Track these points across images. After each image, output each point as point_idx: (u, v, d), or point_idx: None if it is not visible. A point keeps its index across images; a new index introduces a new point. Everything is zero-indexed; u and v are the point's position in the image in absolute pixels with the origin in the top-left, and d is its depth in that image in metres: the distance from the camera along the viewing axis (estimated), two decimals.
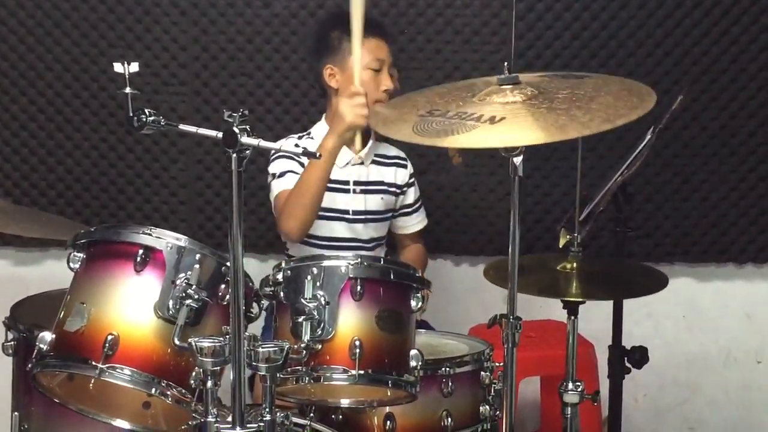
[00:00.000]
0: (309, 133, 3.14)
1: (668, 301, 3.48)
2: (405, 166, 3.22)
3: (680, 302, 3.72)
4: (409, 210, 3.25)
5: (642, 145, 2.78)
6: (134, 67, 2.12)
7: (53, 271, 3.63)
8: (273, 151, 3.06)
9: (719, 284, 3.76)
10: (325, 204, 3.03)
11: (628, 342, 2.91)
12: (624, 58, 3.56)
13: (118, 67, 2.12)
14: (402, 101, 2.48)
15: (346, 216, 3.08)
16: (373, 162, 3.15)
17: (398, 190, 3.19)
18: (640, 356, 2.88)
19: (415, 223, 3.28)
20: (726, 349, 3.80)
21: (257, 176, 3.32)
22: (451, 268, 3.78)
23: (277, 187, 3.01)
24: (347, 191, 3.09)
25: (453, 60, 3.59)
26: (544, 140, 2.10)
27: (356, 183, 3.10)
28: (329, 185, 3.00)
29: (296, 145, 3.03)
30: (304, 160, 2.96)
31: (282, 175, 3.00)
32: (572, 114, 2.16)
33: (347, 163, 3.09)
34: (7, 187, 3.69)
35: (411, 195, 3.25)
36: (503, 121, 2.15)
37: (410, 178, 3.24)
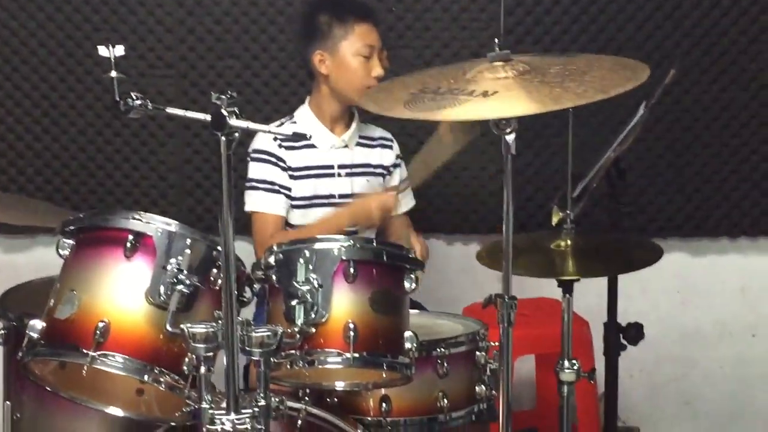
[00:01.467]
0: (292, 118, 3.12)
1: (662, 277, 3.47)
2: (391, 147, 3.19)
3: (674, 277, 3.71)
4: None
5: (634, 120, 2.76)
6: (119, 50, 2.09)
7: (43, 258, 3.60)
8: (252, 149, 3.06)
9: (713, 258, 3.75)
10: (309, 191, 3.02)
11: (622, 318, 2.90)
12: (615, 32, 3.54)
13: (102, 51, 2.09)
14: (391, 83, 2.46)
15: (333, 200, 3.05)
16: (358, 144, 3.13)
17: (384, 172, 3.16)
18: (635, 333, 2.87)
19: (401, 204, 3.22)
20: (721, 324, 3.80)
21: (246, 158, 3.30)
22: (443, 248, 3.76)
23: (253, 203, 3.03)
24: (332, 175, 3.07)
25: (442, 38, 3.57)
26: (539, 110, 2.09)
27: (341, 166, 3.08)
28: (312, 171, 3.00)
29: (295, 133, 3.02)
30: (288, 156, 3.00)
31: (256, 187, 3.02)
32: (566, 86, 2.16)
33: (331, 147, 3.07)
34: None
35: (397, 176, 3.21)
36: (496, 95, 2.14)
37: (396, 159, 3.21)
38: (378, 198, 3.00)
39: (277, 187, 3.02)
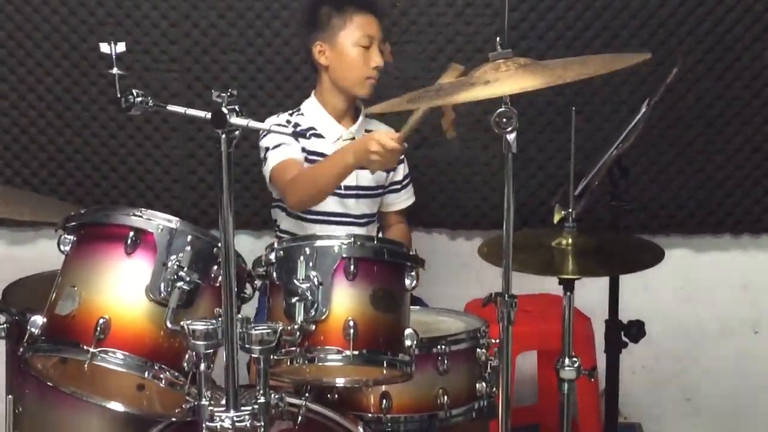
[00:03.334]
0: (299, 110, 3.13)
1: (664, 273, 3.44)
2: None
3: (676, 274, 3.71)
4: (398, 187, 3.24)
5: (636, 118, 2.76)
6: (121, 47, 2.10)
7: (47, 251, 3.55)
8: (266, 141, 3.04)
9: (716, 255, 3.75)
10: None
11: (624, 314, 2.90)
12: (618, 29, 3.53)
13: (104, 48, 2.10)
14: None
15: (338, 191, 3.04)
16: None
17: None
18: (637, 331, 2.87)
19: (402, 200, 3.27)
20: (722, 320, 3.80)
21: (250, 152, 3.30)
22: (446, 243, 3.76)
23: (274, 159, 3.00)
24: None
25: (446, 33, 3.56)
26: (542, 85, 2.10)
27: None
28: (319, 159, 3.01)
29: (288, 121, 3.05)
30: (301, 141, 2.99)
31: (276, 146, 3.00)
32: (568, 66, 2.20)
33: (338, 139, 3.08)
34: None
35: (400, 172, 3.23)
36: (498, 81, 2.17)
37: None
38: (376, 135, 2.85)
39: (293, 146, 3.00)
